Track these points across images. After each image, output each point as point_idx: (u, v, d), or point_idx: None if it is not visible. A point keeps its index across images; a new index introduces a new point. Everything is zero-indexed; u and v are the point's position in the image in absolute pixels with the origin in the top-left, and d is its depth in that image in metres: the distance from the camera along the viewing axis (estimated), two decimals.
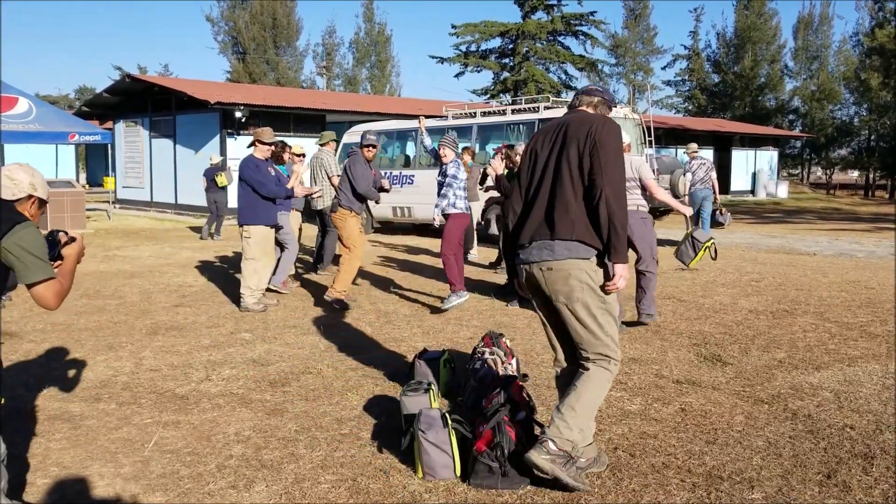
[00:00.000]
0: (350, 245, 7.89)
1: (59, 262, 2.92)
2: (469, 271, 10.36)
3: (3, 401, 2.95)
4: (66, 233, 3.02)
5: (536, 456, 3.32)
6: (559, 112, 13.72)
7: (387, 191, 8.34)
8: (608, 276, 3.41)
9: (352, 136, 16.96)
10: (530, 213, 3.53)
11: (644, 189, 6.50)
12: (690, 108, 48.81)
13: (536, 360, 5.70)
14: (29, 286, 2.77)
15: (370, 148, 8.09)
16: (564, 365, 3.65)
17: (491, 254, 11.88)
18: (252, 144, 7.74)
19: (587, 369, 3.44)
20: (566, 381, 3.58)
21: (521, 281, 3.64)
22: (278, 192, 7.63)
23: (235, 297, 7.87)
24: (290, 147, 9.79)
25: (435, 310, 7.57)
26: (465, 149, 12.39)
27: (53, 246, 2.92)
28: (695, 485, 3.50)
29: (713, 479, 3.56)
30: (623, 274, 3.37)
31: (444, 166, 7.73)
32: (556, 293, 3.42)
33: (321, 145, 10.08)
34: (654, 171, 11.12)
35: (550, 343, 3.70)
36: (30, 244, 2.73)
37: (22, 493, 3.45)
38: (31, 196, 2.97)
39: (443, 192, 7.64)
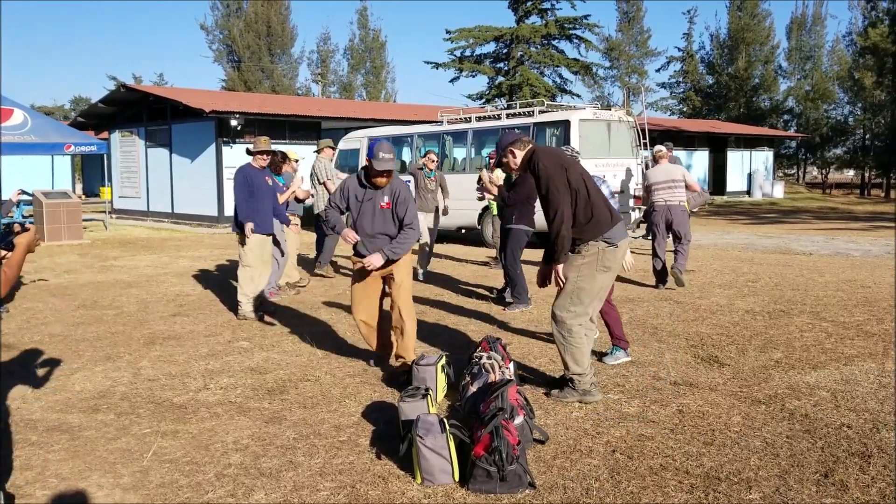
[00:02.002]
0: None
1: (10, 250, 3.10)
2: (466, 275, 10.37)
3: None
4: (22, 224, 3.23)
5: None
6: (555, 116, 13.78)
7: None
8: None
9: (347, 142, 17.00)
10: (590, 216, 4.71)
11: (687, 188, 9.18)
12: (685, 109, 48.90)
13: (534, 363, 5.71)
14: None
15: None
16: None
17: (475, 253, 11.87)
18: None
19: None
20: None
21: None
22: (245, 215, 7.44)
23: (233, 306, 7.88)
24: (290, 158, 9.71)
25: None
26: (427, 152, 11.03)
27: (7, 235, 3.12)
28: (693, 486, 3.51)
29: (711, 480, 3.57)
30: None
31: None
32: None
33: (316, 152, 10.32)
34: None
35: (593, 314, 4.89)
36: None
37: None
38: None
39: None
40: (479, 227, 14.18)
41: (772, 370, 5.42)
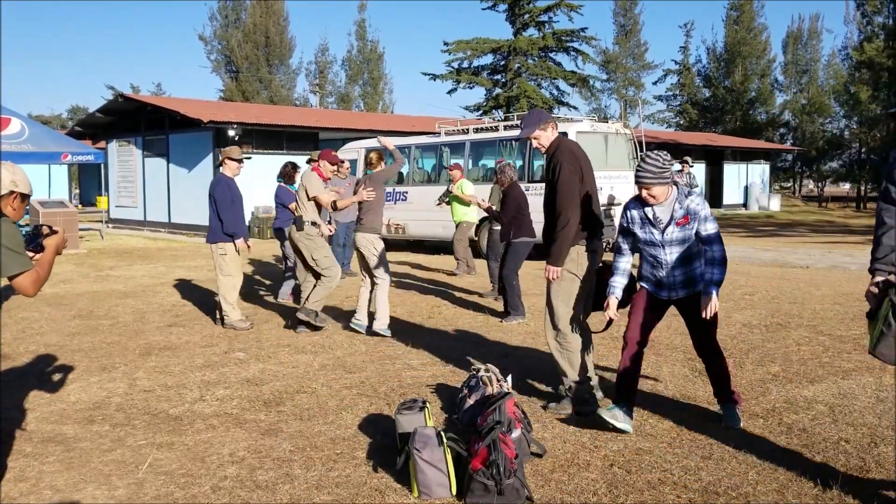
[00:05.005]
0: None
1: (40, 252, 3.13)
2: (464, 285, 10.36)
3: None
4: (50, 227, 3.26)
5: None
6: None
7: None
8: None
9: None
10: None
11: None
12: (682, 122, 49.10)
13: (532, 376, 5.69)
14: (10, 278, 2.93)
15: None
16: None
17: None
18: (221, 164, 7.78)
19: None
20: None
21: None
22: (232, 221, 7.45)
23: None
24: (299, 168, 9.69)
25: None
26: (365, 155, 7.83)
27: (36, 237, 3.15)
28: (691, 500, 3.50)
29: (709, 494, 3.56)
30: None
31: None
32: None
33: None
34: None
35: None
36: (7, 239, 2.90)
37: None
38: (12, 192, 3.11)
39: None
40: (476, 238, 14.17)
41: (769, 384, 5.41)
